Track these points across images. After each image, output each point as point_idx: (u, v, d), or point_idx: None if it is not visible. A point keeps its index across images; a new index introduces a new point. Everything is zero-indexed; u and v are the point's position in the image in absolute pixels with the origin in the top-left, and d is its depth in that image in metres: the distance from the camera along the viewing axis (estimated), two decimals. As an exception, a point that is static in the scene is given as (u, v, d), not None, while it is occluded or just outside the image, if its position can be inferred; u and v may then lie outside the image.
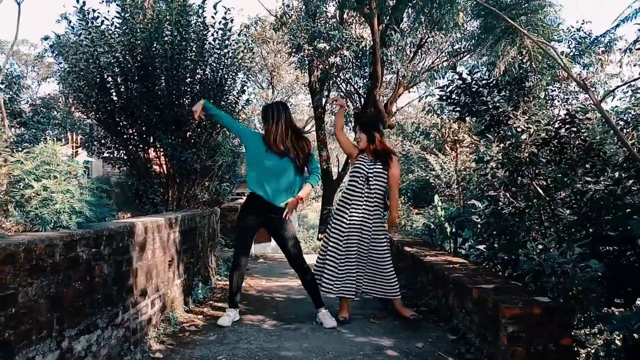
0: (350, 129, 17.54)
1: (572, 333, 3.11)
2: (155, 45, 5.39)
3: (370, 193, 4.20)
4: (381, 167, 4.22)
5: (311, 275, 4.24)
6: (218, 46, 5.78)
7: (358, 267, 4.23)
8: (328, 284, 4.17)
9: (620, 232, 3.52)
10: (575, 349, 3.39)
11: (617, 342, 3.69)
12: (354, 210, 4.21)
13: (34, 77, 32.04)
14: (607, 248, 3.71)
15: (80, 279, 2.51)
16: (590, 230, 3.80)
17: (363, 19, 12.50)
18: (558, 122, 4.12)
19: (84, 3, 5.37)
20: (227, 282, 5.81)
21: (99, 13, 5.49)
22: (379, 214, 4.26)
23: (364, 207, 4.21)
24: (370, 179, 4.19)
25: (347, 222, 4.20)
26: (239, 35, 6.34)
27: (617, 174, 3.73)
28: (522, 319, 2.85)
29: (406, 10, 11.86)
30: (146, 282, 3.48)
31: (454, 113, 5.33)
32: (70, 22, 6.12)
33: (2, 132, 4.69)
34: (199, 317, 4.30)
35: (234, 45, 6.00)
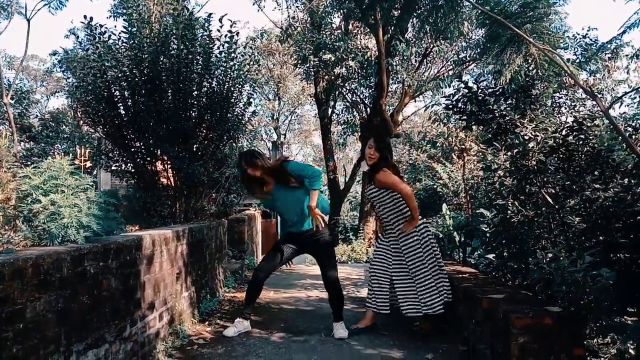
0: (357, 139, 17.56)
1: (585, 343, 3.07)
2: (162, 59, 5.43)
3: (382, 213, 4.20)
4: (374, 187, 4.16)
5: (338, 296, 4.24)
6: (224, 59, 5.82)
7: (392, 283, 4.17)
8: (367, 298, 4.30)
9: (631, 240, 3.48)
10: (588, 359, 3.34)
11: (630, 351, 3.63)
12: (384, 233, 4.32)
13: (43, 91, 32.44)
14: (618, 256, 3.66)
15: (87, 293, 2.51)
16: (601, 238, 3.75)
17: (368, 30, 12.57)
18: (565, 129, 4.09)
19: (92, 18, 5.43)
20: (235, 295, 5.83)
21: (106, 28, 5.56)
22: (400, 230, 4.14)
23: (386, 228, 4.24)
24: (374, 202, 4.23)
25: (378, 243, 4.34)
26: (244, 47, 6.38)
27: (626, 181, 3.69)
28: (533, 329, 2.81)
29: (411, 20, 11.87)
30: (154, 295, 3.48)
31: (460, 122, 5.31)
32: (78, 37, 6.21)
33: (11, 146, 4.73)
34: (207, 329, 4.29)
35: (240, 58, 6.03)
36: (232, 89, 5.94)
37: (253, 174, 4.07)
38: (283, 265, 4.46)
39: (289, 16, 14.36)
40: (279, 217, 4.35)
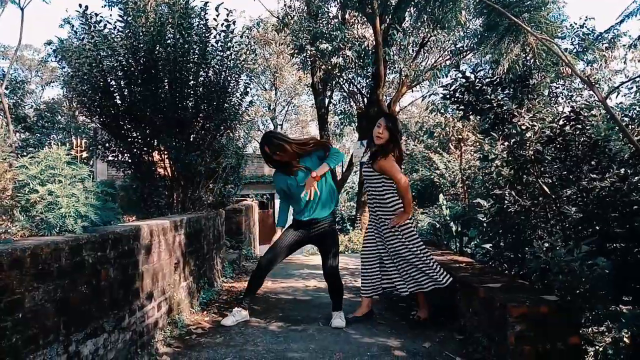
0: (354, 129, 17.52)
1: (580, 331, 3.10)
2: (158, 48, 5.39)
3: (369, 197, 4.24)
4: (371, 169, 4.10)
5: (337, 285, 4.24)
6: (221, 48, 5.78)
7: (381, 267, 4.22)
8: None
9: (627, 229, 3.50)
10: (584, 347, 3.37)
11: (625, 340, 3.66)
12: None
13: (38, 81, 32.22)
14: (614, 245, 3.68)
15: (86, 283, 2.51)
16: (597, 227, 3.77)
17: (365, 19, 12.51)
18: (563, 119, 4.09)
19: (87, 7, 5.38)
20: (233, 284, 5.85)
21: (101, 17, 5.50)
22: (383, 216, 4.15)
23: (372, 210, 4.26)
24: (365, 182, 4.24)
25: (367, 227, 4.37)
26: (241, 37, 6.34)
27: (622, 171, 3.70)
28: (530, 318, 2.83)
29: (408, 10, 11.84)
30: (152, 285, 3.48)
31: (457, 112, 5.31)
32: (73, 26, 6.18)
33: (7, 137, 4.71)
34: (206, 319, 4.31)
35: (236, 47, 5.99)
36: (229, 78, 5.91)
37: (280, 159, 4.06)
38: (288, 255, 4.44)
39: (285, 5, 14.25)
40: (277, 207, 4.31)
